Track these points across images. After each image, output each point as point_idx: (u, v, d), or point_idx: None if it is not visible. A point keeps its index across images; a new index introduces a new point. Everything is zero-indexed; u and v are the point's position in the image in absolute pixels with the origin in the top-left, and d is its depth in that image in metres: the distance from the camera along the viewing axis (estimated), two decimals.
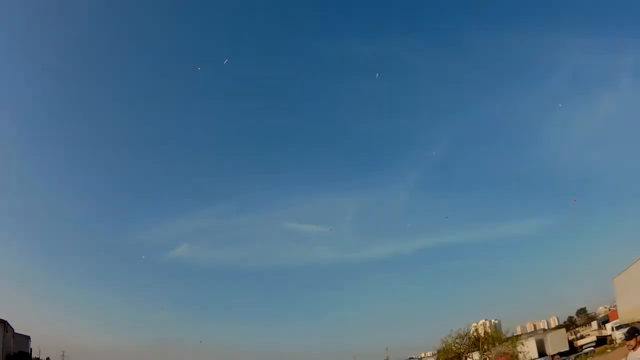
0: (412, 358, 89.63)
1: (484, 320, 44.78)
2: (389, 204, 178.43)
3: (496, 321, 44.90)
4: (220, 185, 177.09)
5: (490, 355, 43.44)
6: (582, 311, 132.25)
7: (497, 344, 45.04)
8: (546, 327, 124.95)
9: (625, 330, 10.55)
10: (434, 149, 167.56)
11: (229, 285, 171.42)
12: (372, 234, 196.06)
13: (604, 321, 66.05)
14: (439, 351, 55.61)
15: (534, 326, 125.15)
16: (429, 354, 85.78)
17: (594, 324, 78.24)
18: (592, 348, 46.35)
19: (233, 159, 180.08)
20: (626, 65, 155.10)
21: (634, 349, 7.57)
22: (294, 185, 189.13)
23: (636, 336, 7.54)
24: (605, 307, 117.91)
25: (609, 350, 27.89)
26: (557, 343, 54.49)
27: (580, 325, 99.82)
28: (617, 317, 52.98)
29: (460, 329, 46.13)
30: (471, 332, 46.07)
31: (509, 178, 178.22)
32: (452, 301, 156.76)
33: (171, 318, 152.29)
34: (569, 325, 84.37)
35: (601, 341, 52.18)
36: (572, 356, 46.21)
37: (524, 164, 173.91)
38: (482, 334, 45.31)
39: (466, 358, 46.37)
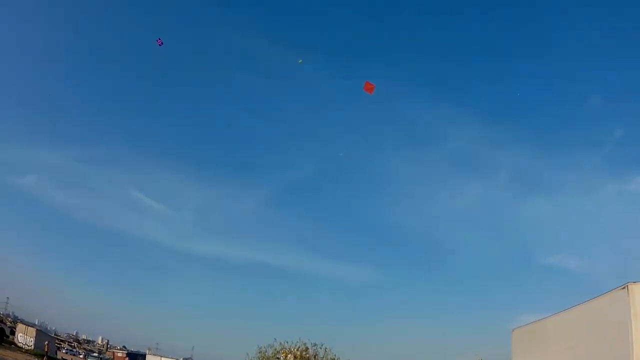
0: None
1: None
2: (235, 207, 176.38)
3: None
4: (81, 126, 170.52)
5: None
6: None
7: None
8: None
9: None
10: (298, 170, 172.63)
11: (57, 231, 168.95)
12: (211, 230, 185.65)
13: None
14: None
15: None
16: None
17: None
18: None
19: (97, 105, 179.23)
20: (505, 163, 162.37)
21: None
22: (148, 154, 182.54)
23: None
24: None
25: None
26: None
27: None
28: None
29: (287, 342, 38.36)
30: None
31: (357, 223, 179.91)
32: (263, 317, 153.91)
33: None
34: None
35: None
36: None
37: (373, 214, 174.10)
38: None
39: None
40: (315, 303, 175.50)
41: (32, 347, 50.38)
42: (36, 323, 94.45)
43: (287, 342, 35.55)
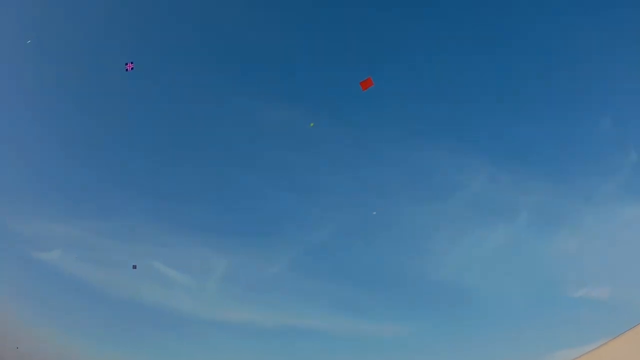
0: None
1: None
2: (260, 273, 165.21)
3: None
4: (98, 200, 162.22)
5: None
6: None
7: None
8: None
9: None
10: (319, 232, 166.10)
11: (81, 304, 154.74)
12: (236, 297, 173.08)
13: None
14: None
15: None
16: None
17: None
18: None
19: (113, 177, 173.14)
20: (524, 202, 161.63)
21: None
22: (171, 224, 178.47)
23: None
24: None
25: None
26: None
27: None
28: None
29: None
30: None
31: (381, 279, 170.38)
32: None
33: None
34: None
35: None
36: None
37: (402, 269, 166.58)
38: None
39: None
40: None
41: None
42: None
43: None
